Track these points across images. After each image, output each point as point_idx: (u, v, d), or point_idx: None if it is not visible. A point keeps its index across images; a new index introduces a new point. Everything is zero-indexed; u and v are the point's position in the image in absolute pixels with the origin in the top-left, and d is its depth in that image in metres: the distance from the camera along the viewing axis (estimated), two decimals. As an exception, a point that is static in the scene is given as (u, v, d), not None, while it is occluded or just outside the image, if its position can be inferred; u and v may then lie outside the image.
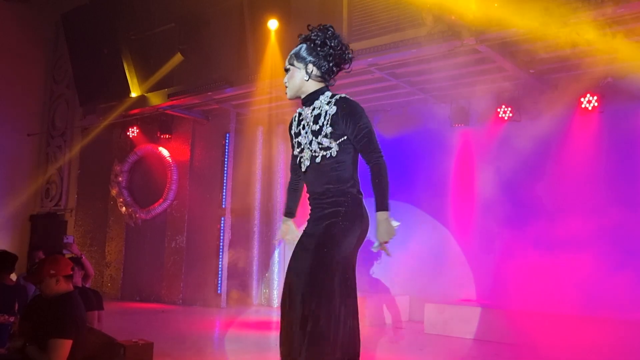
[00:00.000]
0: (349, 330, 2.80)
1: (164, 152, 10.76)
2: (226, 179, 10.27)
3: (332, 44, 3.02)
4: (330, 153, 2.94)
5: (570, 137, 7.54)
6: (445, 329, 7.31)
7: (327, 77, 3.07)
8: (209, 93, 9.15)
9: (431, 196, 8.60)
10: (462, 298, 8.13)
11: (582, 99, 7.38)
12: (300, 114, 3.13)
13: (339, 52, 3.06)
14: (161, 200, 10.62)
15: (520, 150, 7.81)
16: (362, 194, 3.01)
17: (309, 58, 3.04)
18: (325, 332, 2.73)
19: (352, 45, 7.60)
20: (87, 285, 5.28)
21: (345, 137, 2.95)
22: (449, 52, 6.81)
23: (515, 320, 6.75)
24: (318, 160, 2.96)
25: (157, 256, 10.69)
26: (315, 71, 3.03)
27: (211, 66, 9.31)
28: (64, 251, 5.46)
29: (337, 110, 2.95)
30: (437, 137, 8.55)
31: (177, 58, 9.09)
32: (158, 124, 10.68)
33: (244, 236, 10.48)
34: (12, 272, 5.18)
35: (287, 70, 3.10)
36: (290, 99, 3.14)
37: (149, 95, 10.06)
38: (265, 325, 8.22)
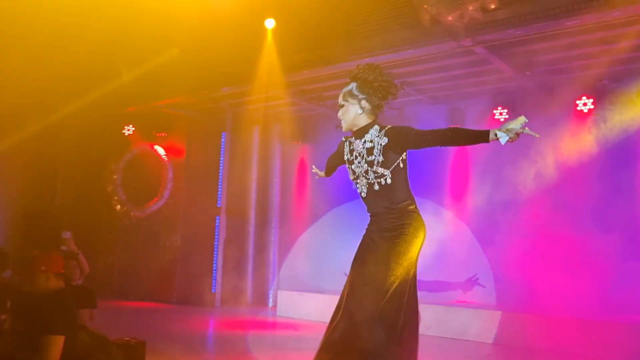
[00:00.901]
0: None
1: (160, 150, 10.73)
2: (222, 178, 10.25)
3: (381, 81, 3.39)
4: (385, 180, 3.35)
5: (566, 139, 7.55)
6: (439, 331, 7.30)
7: (376, 111, 3.45)
8: (205, 92, 9.14)
9: (427, 198, 8.58)
10: (460, 299, 8.15)
11: (577, 102, 7.40)
12: (350, 143, 3.53)
13: (387, 87, 3.41)
14: (156, 198, 10.59)
15: (516, 152, 7.82)
16: (418, 210, 3.44)
17: (361, 95, 3.41)
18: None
19: (349, 45, 7.64)
20: (80, 283, 5.25)
21: (395, 165, 3.35)
22: (445, 53, 6.81)
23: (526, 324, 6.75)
24: (376, 187, 3.37)
25: (151, 255, 10.66)
26: (367, 106, 3.41)
27: (208, 64, 9.28)
28: (62, 247, 5.42)
29: (388, 141, 3.33)
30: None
31: (174, 56, 9.04)
32: (154, 122, 10.66)
33: (239, 235, 10.46)
34: (5, 270, 5.14)
35: (341, 105, 3.47)
36: (344, 131, 3.54)
37: (145, 93, 10.01)
38: (259, 325, 8.21)
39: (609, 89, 7.34)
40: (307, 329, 7.70)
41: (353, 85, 3.44)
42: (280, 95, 8.68)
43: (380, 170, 3.34)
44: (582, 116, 7.44)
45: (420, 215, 3.42)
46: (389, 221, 3.35)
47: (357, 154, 3.44)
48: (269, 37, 7.86)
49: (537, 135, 3.05)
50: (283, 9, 7.76)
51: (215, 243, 10.06)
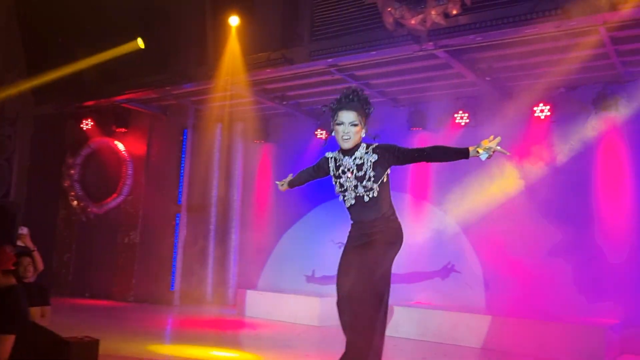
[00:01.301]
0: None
1: (120, 146, 10.54)
2: (183, 175, 10.14)
3: (370, 108, 3.86)
4: (373, 194, 3.76)
5: (523, 144, 7.73)
6: (398, 331, 7.38)
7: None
8: (168, 88, 9.01)
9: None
10: (418, 301, 8.25)
11: (535, 108, 7.59)
12: (336, 160, 3.92)
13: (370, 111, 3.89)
14: (115, 194, 10.40)
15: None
16: (398, 218, 3.86)
17: (361, 118, 3.80)
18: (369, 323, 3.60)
19: (313, 45, 7.66)
20: (33, 280, 5.12)
21: (381, 179, 3.77)
22: (408, 57, 6.89)
23: (477, 325, 6.88)
24: (366, 199, 3.77)
25: (109, 252, 10.46)
26: (366, 129, 3.86)
27: (170, 61, 9.17)
28: (18, 243, 5.26)
29: (377, 157, 3.76)
30: (395, 140, 8.42)
31: (135, 50, 8.88)
32: (114, 117, 10.46)
33: (200, 233, 10.37)
34: None
35: (355, 125, 3.77)
36: (348, 148, 3.83)
37: (105, 87, 9.83)
38: (218, 323, 8.15)
39: (565, 96, 7.55)
40: (266, 328, 7.69)
41: (363, 109, 3.83)
42: (243, 94, 8.63)
43: (369, 184, 3.76)
44: (539, 122, 7.63)
45: (399, 223, 3.85)
46: (375, 226, 3.78)
47: (345, 169, 3.84)
48: (233, 34, 7.80)
49: (508, 153, 3.68)
50: (247, 7, 7.73)
51: (175, 241, 9.95)
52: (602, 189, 7.23)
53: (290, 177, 4.40)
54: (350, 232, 3.90)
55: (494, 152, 3.53)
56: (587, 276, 7.10)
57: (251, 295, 8.98)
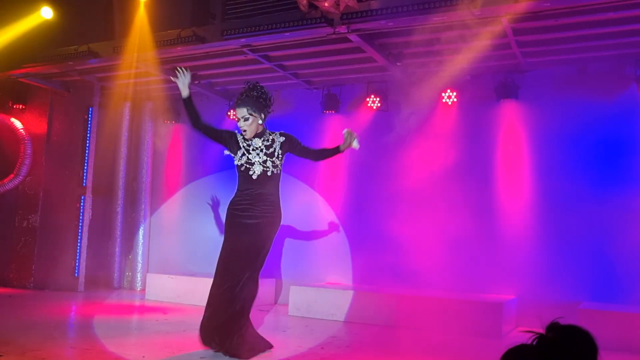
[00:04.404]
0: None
1: (17, 123, 9.86)
2: (88, 156, 9.66)
3: (266, 100, 4.82)
4: (277, 170, 4.79)
5: (431, 128, 7.99)
6: (310, 312, 7.49)
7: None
8: (70, 63, 8.51)
9: (300, 182, 8.72)
10: (330, 281, 8.38)
11: (443, 94, 7.85)
12: (243, 138, 4.80)
13: (270, 102, 4.88)
14: (12, 175, 9.74)
15: (386, 140, 8.17)
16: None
17: (260, 110, 4.77)
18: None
19: (226, 24, 7.51)
20: None
21: (282, 160, 4.86)
22: (321, 39, 6.90)
23: (386, 303, 7.09)
24: (269, 173, 4.73)
25: (5, 236, 9.82)
26: (263, 117, 4.81)
27: (74, 34, 8.66)
28: None
29: (284, 139, 4.86)
30: (308, 123, 8.62)
31: (36, 21, 8.32)
32: (10, 93, 9.77)
33: (107, 216, 9.98)
34: None
35: (247, 119, 4.70)
36: (248, 138, 4.80)
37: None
38: (126, 309, 7.91)
39: (470, 83, 7.86)
40: (176, 312, 7.54)
41: (254, 101, 4.71)
42: (152, 72, 8.32)
43: (277, 161, 4.77)
44: (446, 108, 7.91)
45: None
46: (264, 203, 4.75)
47: (255, 147, 4.75)
48: (142, 8, 7.48)
49: (357, 147, 4.99)
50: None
51: (80, 224, 9.50)
52: (502, 172, 7.63)
53: (189, 78, 4.86)
54: (239, 200, 4.78)
55: (353, 140, 4.85)
56: (486, 255, 7.50)
57: (161, 279, 8.77)
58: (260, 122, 4.73)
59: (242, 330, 4.75)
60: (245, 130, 4.70)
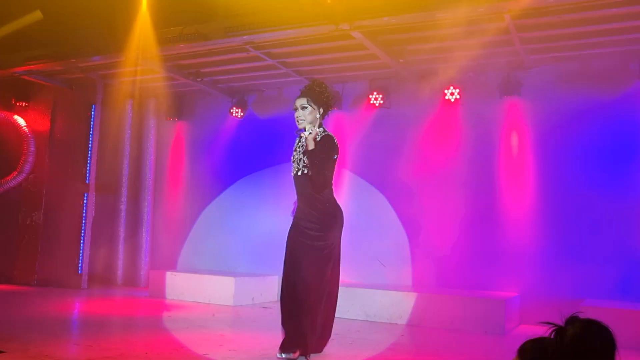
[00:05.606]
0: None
1: (20, 121, 9.89)
2: (91, 153, 9.68)
3: (330, 97, 4.83)
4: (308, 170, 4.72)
5: (433, 126, 7.99)
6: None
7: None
8: (73, 60, 8.52)
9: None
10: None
11: (445, 91, 7.83)
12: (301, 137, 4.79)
13: (332, 101, 4.90)
14: (15, 172, 9.77)
15: (389, 136, 8.18)
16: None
17: (320, 105, 4.76)
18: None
19: (229, 22, 7.47)
20: None
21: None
22: (324, 36, 6.89)
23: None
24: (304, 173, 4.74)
25: (9, 234, 9.86)
26: (322, 113, 4.79)
27: (77, 31, 8.65)
28: None
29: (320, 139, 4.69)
30: (311, 120, 8.61)
31: (37, 18, 8.31)
32: (13, 90, 9.79)
33: (110, 214, 9.99)
34: None
35: (304, 107, 4.69)
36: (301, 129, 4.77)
37: (3, 57, 9.15)
38: (128, 306, 7.92)
39: (474, 80, 7.84)
40: (179, 309, 7.56)
41: (313, 94, 4.71)
42: (155, 69, 8.31)
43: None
44: (449, 104, 7.89)
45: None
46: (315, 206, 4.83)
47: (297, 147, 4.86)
48: (144, 5, 7.47)
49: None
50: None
51: (83, 221, 9.52)
52: (505, 170, 7.61)
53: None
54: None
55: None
56: (490, 253, 7.49)
57: (164, 277, 8.79)
58: (317, 115, 4.73)
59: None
60: (302, 121, 4.70)
